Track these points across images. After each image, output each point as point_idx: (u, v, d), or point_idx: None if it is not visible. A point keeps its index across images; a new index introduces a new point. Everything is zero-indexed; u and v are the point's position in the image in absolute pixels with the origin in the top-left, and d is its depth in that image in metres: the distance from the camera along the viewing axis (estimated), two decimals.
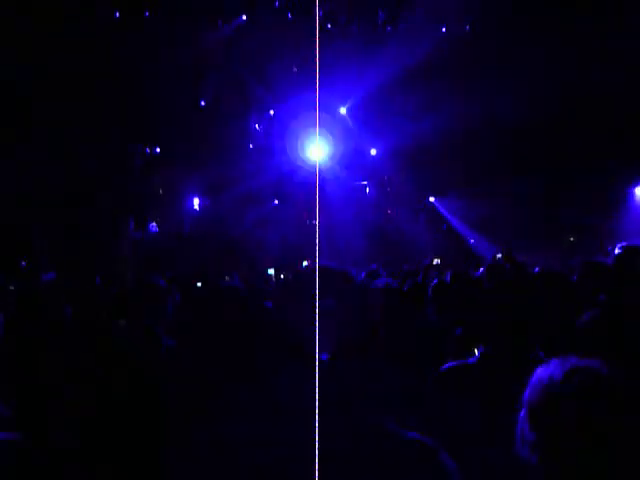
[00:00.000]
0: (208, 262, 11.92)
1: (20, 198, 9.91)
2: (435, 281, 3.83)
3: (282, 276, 12.60)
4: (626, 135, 10.33)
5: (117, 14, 11.55)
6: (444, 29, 12.15)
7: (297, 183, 13.74)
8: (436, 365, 2.05)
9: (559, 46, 9.98)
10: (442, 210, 14.13)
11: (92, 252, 10.29)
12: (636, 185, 12.00)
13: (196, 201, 13.71)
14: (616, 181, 11.46)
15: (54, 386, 1.95)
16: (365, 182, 14.39)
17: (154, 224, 11.67)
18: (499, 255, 9.83)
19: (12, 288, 6.19)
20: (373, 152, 13.68)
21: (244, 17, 12.25)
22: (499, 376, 1.86)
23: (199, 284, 7.30)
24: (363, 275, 6.19)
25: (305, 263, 13.12)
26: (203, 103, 12.96)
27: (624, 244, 2.92)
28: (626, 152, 10.43)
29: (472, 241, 13.73)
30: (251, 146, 13.72)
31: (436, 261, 13.29)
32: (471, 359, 1.99)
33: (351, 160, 13.46)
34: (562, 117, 10.86)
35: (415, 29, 11.85)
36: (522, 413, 1.27)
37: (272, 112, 13.63)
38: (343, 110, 13.35)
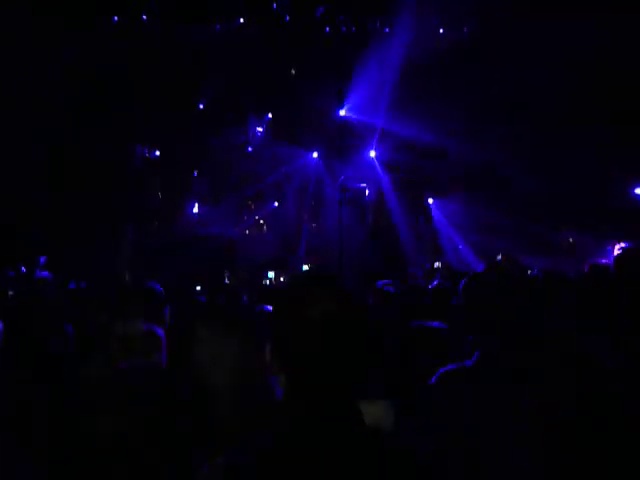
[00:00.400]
0: (207, 265, 11.91)
1: (20, 200, 9.92)
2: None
3: (282, 279, 12.60)
4: (628, 135, 10.34)
5: (115, 18, 11.60)
6: (441, 30, 12.19)
7: (296, 186, 13.75)
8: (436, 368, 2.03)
9: (560, 47, 10.01)
10: (438, 212, 14.11)
11: (92, 254, 10.29)
12: (637, 186, 11.98)
13: (195, 204, 13.70)
14: (617, 181, 11.45)
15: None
16: (364, 184, 14.37)
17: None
18: (499, 257, 9.82)
19: (11, 293, 6.18)
20: (372, 154, 13.68)
21: (241, 20, 12.28)
22: (497, 378, 1.85)
23: (198, 288, 7.29)
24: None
25: (305, 267, 13.12)
26: (201, 106, 12.98)
27: (624, 245, 2.91)
28: (628, 152, 10.43)
29: (460, 246, 13.71)
30: (250, 149, 13.73)
31: (437, 264, 13.26)
32: (468, 362, 1.97)
33: (350, 162, 13.45)
34: (562, 117, 10.85)
35: (412, 31, 11.88)
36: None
37: (270, 115, 13.64)
38: (342, 112, 13.36)
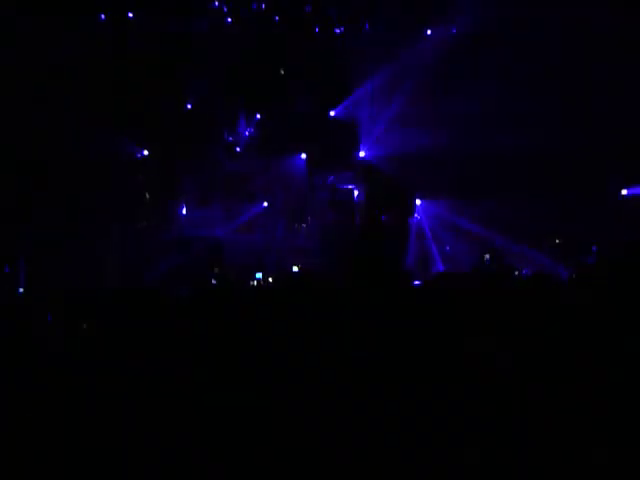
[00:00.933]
0: (194, 265, 11.87)
1: (3, 200, 9.80)
2: None
3: (270, 280, 12.55)
4: (616, 138, 10.43)
5: (102, 17, 11.51)
6: (429, 31, 12.23)
7: (285, 187, 13.71)
8: None
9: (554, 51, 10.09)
10: (426, 214, 14.12)
11: (78, 255, 10.21)
12: (623, 187, 12.07)
13: (183, 205, 13.61)
14: (603, 182, 11.53)
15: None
16: (352, 185, 14.38)
17: None
18: (487, 256, 9.90)
19: None
20: (362, 154, 13.69)
21: (229, 19, 12.24)
22: None
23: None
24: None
25: (295, 268, 13.09)
26: (189, 106, 12.91)
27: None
28: (615, 153, 10.52)
29: (447, 247, 13.75)
30: (238, 149, 13.67)
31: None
32: None
33: (340, 163, 13.44)
34: (552, 121, 10.91)
35: (400, 32, 11.92)
36: None
37: (259, 115, 13.60)
38: (332, 113, 13.36)
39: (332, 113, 13.35)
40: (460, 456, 1.54)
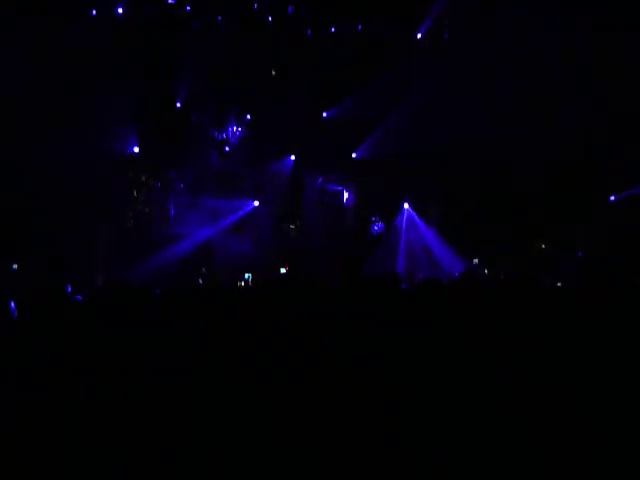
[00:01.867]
0: (182, 265, 11.81)
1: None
2: None
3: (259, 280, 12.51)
4: (604, 144, 10.54)
5: (94, 12, 11.44)
6: (419, 35, 12.28)
7: (275, 187, 13.68)
8: None
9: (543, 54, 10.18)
10: (413, 217, 14.15)
11: (68, 253, 10.14)
12: (612, 194, 12.18)
13: (172, 204, 13.52)
14: (591, 188, 11.62)
15: None
16: (341, 187, 14.39)
17: None
18: (476, 261, 9.95)
19: None
20: (353, 156, 13.69)
21: (219, 18, 12.21)
22: None
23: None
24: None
25: (283, 270, 13.05)
26: (179, 105, 12.84)
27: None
28: (603, 159, 10.63)
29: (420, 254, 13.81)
30: (227, 149, 13.62)
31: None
32: None
33: (330, 164, 13.44)
34: (542, 123, 10.98)
35: (389, 37, 11.99)
36: None
37: (249, 116, 13.56)
38: (323, 114, 13.37)
39: (324, 114, 13.35)
40: (459, 455, 1.54)
